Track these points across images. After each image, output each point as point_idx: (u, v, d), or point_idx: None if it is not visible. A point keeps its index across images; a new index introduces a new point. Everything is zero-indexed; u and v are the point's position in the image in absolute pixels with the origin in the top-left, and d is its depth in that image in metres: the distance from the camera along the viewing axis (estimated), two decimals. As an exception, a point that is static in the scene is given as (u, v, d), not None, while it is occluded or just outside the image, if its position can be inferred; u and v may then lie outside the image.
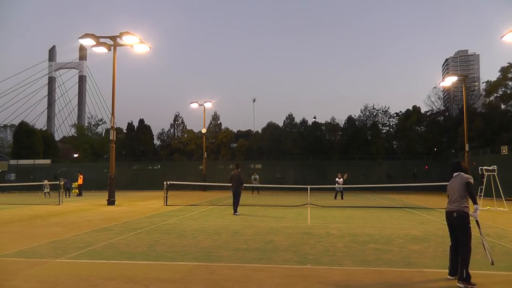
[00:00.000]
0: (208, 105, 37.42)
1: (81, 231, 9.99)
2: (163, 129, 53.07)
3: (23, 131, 44.72)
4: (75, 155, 50.79)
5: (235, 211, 14.00)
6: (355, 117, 44.67)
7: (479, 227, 5.47)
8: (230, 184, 14.50)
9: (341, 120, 46.52)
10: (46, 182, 25.56)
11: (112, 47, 19.57)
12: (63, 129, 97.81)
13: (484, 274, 5.67)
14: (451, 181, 5.58)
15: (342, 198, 21.58)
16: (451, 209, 5.41)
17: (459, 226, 5.32)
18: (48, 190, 25.46)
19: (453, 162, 5.70)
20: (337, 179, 21.70)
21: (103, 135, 53.22)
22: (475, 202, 5.31)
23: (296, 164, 38.83)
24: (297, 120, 46.00)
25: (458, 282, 5.10)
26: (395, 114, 44.62)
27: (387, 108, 45.06)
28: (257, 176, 28.50)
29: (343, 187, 21.79)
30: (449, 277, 5.43)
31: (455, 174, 5.57)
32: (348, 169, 32.39)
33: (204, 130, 38.80)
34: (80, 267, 6.15)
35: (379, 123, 44.16)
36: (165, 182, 18.68)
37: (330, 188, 22.43)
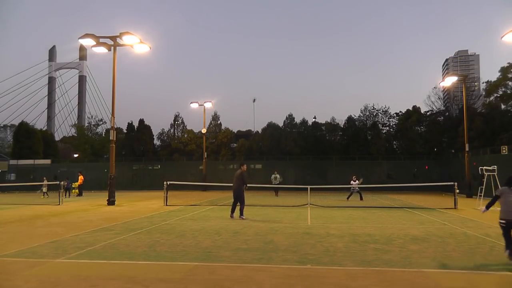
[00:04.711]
0: (208, 105, 37.41)
1: (81, 231, 9.99)
2: (163, 129, 52.91)
3: (23, 131, 44.70)
4: (75, 155, 50.78)
5: (241, 214, 12.63)
6: (355, 117, 44.63)
7: None
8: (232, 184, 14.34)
9: (341, 120, 46.37)
10: (45, 181, 25.45)
11: (112, 47, 19.57)
12: (63, 129, 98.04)
13: (484, 274, 5.68)
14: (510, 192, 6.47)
15: (360, 199, 21.12)
16: None
17: None
18: (46, 191, 25.35)
19: None
20: (352, 182, 21.49)
21: (103, 135, 53.18)
22: None
23: (296, 164, 38.77)
24: (297, 120, 45.93)
25: None
26: (395, 114, 44.60)
27: (387, 108, 45.02)
28: (277, 175, 25.31)
29: (358, 188, 21.42)
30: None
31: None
32: (348, 169, 32.44)
33: (204, 130, 38.78)
34: (80, 267, 6.15)
35: (379, 123, 44.12)
36: (165, 182, 18.66)
37: (330, 188, 22.45)
